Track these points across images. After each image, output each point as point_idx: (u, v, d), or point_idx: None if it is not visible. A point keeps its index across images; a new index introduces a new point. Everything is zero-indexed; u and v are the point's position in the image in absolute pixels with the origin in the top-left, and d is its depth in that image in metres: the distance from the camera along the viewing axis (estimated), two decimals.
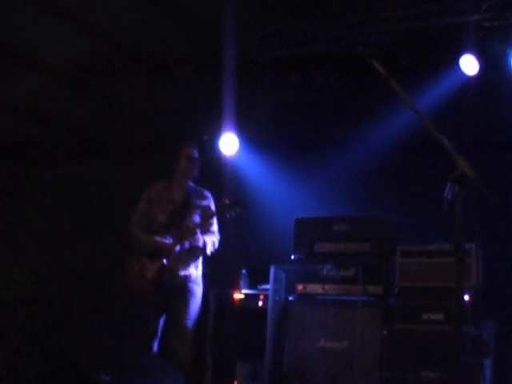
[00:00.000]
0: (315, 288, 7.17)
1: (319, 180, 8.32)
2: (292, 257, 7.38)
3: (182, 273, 6.76)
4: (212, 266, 7.43)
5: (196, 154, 6.94)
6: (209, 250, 6.83)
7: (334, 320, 6.98)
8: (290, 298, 7.28)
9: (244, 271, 7.77)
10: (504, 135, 7.88)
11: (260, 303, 7.43)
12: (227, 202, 6.78)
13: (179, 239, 6.68)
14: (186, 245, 6.72)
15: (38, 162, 10.48)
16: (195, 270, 6.85)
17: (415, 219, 7.48)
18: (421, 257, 6.88)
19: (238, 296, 7.57)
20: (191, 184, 7.04)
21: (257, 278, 7.71)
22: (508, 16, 7.43)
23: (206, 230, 6.86)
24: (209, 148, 8.58)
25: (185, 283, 6.76)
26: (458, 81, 7.85)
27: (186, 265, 6.78)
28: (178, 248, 6.68)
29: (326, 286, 7.15)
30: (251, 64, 8.26)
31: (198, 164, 6.96)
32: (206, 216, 6.82)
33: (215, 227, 6.97)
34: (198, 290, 6.83)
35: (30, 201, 10.33)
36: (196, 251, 6.82)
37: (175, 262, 6.70)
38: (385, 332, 6.76)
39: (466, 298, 6.56)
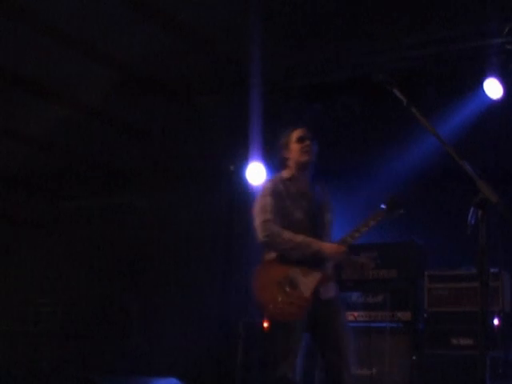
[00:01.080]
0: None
1: (344, 207, 8.31)
2: None
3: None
4: (243, 291, 7.45)
5: (308, 135, 5.47)
6: None
7: (364, 347, 6.96)
8: None
9: None
10: None
11: None
12: (384, 207, 5.26)
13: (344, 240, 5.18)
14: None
15: (64, 194, 10.58)
16: None
17: (442, 244, 7.46)
18: (448, 281, 6.87)
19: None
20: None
21: None
22: None
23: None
24: (236, 178, 8.62)
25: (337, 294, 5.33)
26: (482, 105, 7.86)
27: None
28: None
29: (355, 314, 7.14)
30: (276, 92, 8.31)
31: (315, 146, 5.46)
32: (361, 226, 5.22)
33: None
34: None
35: (56, 233, 10.41)
36: None
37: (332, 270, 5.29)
38: (414, 358, 6.73)
39: (496, 322, 6.52)
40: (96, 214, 10.18)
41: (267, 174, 8.49)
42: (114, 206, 10.08)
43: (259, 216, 5.25)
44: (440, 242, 7.50)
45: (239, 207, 8.60)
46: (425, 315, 6.89)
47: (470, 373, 6.29)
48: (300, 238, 5.12)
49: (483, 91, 7.81)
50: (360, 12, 7.33)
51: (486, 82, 7.79)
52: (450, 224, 7.18)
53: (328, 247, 5.13)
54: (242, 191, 8.54)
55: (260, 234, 5.19)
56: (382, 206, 5.25)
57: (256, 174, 8.57)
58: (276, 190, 5.32)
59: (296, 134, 5.45)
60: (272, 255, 5.21)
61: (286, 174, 5.44)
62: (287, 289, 4.99)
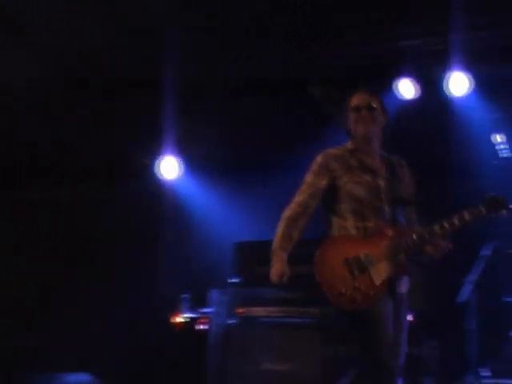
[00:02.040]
0: (257, 311, 7.16)
1: (262, 204, 8.35)
2: (232, 280, 7.36)
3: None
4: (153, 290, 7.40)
5: (367, 102, 4.73)
6: None
7: (277, 342, 6.97)
8: (232, 322, 7.26)
9: (186, 295, 7.73)
10: (440, 159, 7.99)
11: (201, 327, 7.38)
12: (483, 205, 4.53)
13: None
14: None
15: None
16: None
17: None
18: None
19: (177, 320, 7.52)
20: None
21: (197, 302, 7.67)
22: (444, 41, 7.60)
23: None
24: (150, 172, 8.56)
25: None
26: (397, 104, 7.98)
27: None
28: None
29: (269, 309, 7.14)
30: (192, 88, 8.26)
31: (377, 114, 4.73)
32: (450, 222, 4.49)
33: None
34: None
35: None
36: None
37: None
38: (327, 354, 6.76)
39: (409, 318, 6.61)
40: (19, 208, 9.92)
41: (181, 168, 8.49)
42: (37, 200, 9.84)
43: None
44: None
45: (154, 201, 8.55)
46: (337, 312, 6.91)
47: None
48: (279, 229, 4.85)
49: (396, 91, 7.96)
50: (275, 11, 7.36)
51: (399, 82, 7.95)
52: None
53: (274, 264, 4.91)
54: (157, 185, 8.50)
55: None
56: (488, 197, 4.55)
57: (169, 168, 8.56)
58: (326, 165, 4.70)
59: (352, 102, 4.79)
60: (336, 230, 4.69)
61: (350, 144, 4.79)
62: (356, 272, 4.44)
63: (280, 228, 4.80)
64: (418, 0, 7.22)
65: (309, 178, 4.74)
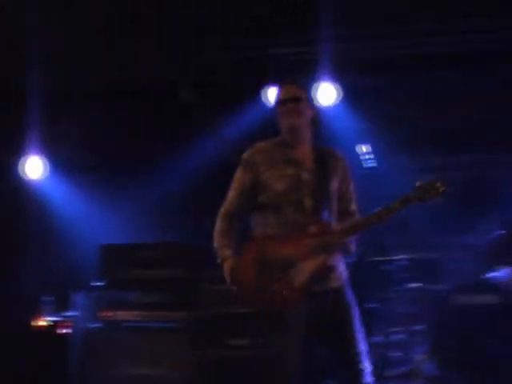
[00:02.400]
0: (122, 315, 7.07)
1: (130, 206, 8.31)
2: (96, 283, 7.29)
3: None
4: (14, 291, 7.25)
5: (293, 95, 4.51)
6: None
7: (142, 346, 6.92)
8: (96, 326, 7.17)
9: (48, 298, 7.60)
10: None
11: (64, 331, 7.28)
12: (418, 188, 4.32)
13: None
14: None
15: None
16: None
17: None
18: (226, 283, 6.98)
19: (39, 323, 7.39)
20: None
21: (60, 305, 7.56)
22: (312, 50, 7.77)
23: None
24: (11, 171, 8.39)
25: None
26: (263, 111, 8.11)
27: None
28: None
29: (133, 313, 7.08)
30: (57, 89, 8.15)
31: (303, 107, 4.54)
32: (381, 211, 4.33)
33: None
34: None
35: None
36: None
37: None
38: (193, 358, 6.78)
39: (268, 322, 6.71)
40: None
41: (46, 169, 8.35)
42: None
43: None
44: None
45: (17, 200, 8.37)
46: (203, 316, 6.96)
47: (247, 373, 6.46)
48: (216, 227, 4.62)
49: (264, 98, 8.08)
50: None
51: (267, 89, 8.07)
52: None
53: (223, 264, 4.60)
54: (21, 185, 8.33)
55: None
56: (417, 184, 4.30)
57: (34, 167, 8.43)
58: (251, 159, 4.56)
59: (278, 95, 4.64)
60: (260, 230, 4.51)
61: (279, 137, 4.63)
62: (275, 273, 4.28)
63: (217, 226, 4.65)
64: (289, 9, 7.33)
65: (237, 173, 4.64)
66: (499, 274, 6.65)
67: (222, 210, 4.65)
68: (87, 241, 8.01)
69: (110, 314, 7.07)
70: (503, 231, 6.88)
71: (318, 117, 4.64)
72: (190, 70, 7.80)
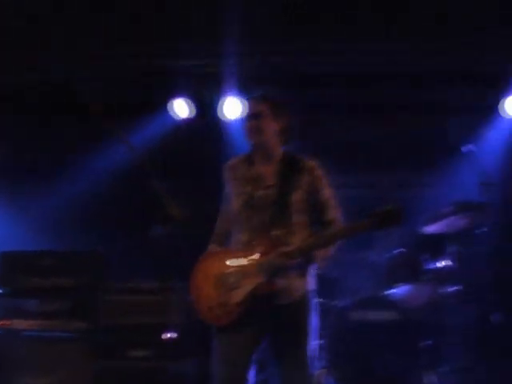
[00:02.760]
0: (20, 323, 6.94)
1: (31, 213, 8.17)
2: None
3: None
4: None
5: (256, 110, 4.49)
6: None
7: (40, 356, 6.81)
8: None
9: None
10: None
11: None
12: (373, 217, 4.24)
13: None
14: None
15: None
16: None
17: (122, 255, 7.54)
18: (126, 293, 6.92)
19: None
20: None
21: None
22: (221, 64, 7.80)
23: None
24: None
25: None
26: (171, 123, 8.10)
27: None
28: None
29: (31, 322, 6.96)
30: None
31: (259, 122, 4.47)
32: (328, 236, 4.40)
33: None
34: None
35: None
36: None
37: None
38: (91, 368, 6.69)
39: (171, 335, 6.70)
40: None
41: None
42: None
43: None
44: (121, 253, 7.57)
45: None
46: (102, 326, 6.89)
47: None
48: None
49: (171, 110, 8.08)
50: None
51: (174, 101, 8.07)
52: (132, 236, 7.32)
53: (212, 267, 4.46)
54: None
55: None
56: (374, 212, 4.23)
57: None
58: (224, 176, 4.62)
59: (244, 111, 4.65)
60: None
61: (246, 154, 4.64)
62: (222, 288, 4.33)
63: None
64: (195, 22, 7.35)
65: (225, 187, 4.64)
66: (397, 290, 6.77)
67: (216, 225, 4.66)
68: None
69: (8, 322, 6.93)
70: (402, 249, 7.02)
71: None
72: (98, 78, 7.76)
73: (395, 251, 7.04)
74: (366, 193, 8.57)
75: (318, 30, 7.34)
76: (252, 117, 4.49)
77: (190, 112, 8.15)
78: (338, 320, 6.68)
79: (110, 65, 7.82)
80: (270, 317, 4.30)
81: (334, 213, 4.47)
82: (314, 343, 4.37)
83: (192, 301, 4.46)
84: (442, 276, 6.76)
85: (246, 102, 4.61)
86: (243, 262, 4.32)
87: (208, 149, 7.98)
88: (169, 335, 6.70)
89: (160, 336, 6.64)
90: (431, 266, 6.86)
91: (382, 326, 6.59)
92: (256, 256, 4.30)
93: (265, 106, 4.48)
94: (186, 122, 8.20)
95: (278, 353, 4.35)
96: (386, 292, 6.82)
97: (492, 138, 8.03)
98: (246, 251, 4.35)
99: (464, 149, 6.08)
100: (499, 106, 7.95)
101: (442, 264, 6.81)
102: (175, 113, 8.12)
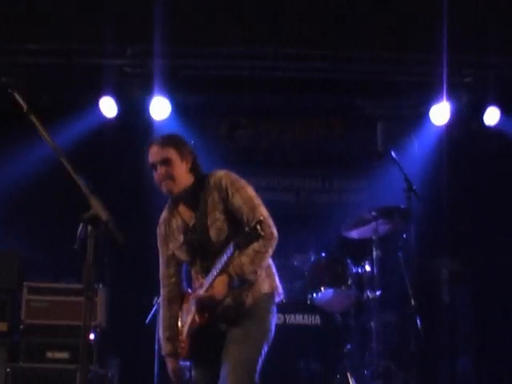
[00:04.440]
0: None
1: None
2: None
3: None
4: None
5: (160, 154, 4.23)
6: None
7: None
8: None
9: None
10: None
11: None
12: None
13: None
14: None
15: None
16: None
17: (46, 255, 7.44)
18: (48, 294, 6.85)
19: None
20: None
21: None
22: (149, 64, 7.77)
23: None
24: None
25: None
26: (98, 121, 8.02)
27: None
28: None
29: None
30: None
31: (169, 169, 4.23)
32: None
33: None
34: None
35: None
36: None
37: None
38: (9, 370, 6.57)
39: (92, 336, 6.63)
40: None
41: None
42: None
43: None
44: (43, 253, 7.47)
45: None
46: (21, 327, 6.79)
47: None
48: (160, 324, 4.51)
49: (99, 108, 8.00)
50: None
51: (102, 99, 7.99)
52: (56, 236, 7.20)
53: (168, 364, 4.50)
54: None
55: None
56: (246, 230, 3.89)
57: None
58: (160, 232, 4.46)
59: (148, 160, 4.28)
60: None
61: (169, 202, 4.47)
62: (180, 325, 4.40)
63: (160, 313, 4.57)
64: (125, 22, 7.29)
65: (159, 248, 4.49)
66: (321, 295, 6.81)
67: (162, 293, 4.50)
68: None
69: None
70: (324, 254, 7.07)
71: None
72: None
73: (319, 255, 7.08)
74: (290, 197, 8.63)
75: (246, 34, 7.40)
76: (161, 162, 4.21)
77: (116, 111, 8.08)
78: None
79: (37, 62, 7.74)
80: (220, 339, 4.23)
81: (254, 214, 4.17)
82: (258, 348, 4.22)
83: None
84: (365, 281, 6.82)
85: (149, 150, 4.26)
86: (187, 300, 4.38)
87: (133, 149, 7.90)
88: (91, 337, 6.64)
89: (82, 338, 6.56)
90: (354, 271, 6.91)
91: (305, 330, 6.63)
92: (192, 293, 4.34)
93: (171, 150, 4.24)
94: (113, 121, 8.12)
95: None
96: (310, 296, 6.85)
97: (418, 145, 8.19)
98: (189, 292, 4.40)
99: (390, 154, 6.14)
100: (429, 114, 8.13)
101: (364, 269, 6.87)
102: (102, 111, 8.04)
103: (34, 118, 3.62)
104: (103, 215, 3.57)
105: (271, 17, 7.21)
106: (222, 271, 4.06)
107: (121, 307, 7.34)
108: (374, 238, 6.71)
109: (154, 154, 4.22)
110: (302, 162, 8.65)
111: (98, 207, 3.59)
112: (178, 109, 8.18)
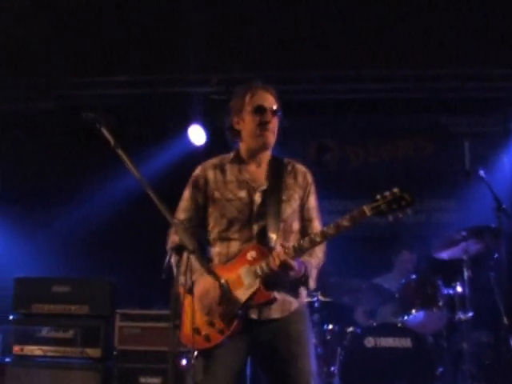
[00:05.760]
0: (33, 350, 6.98)
1: (43, 238, 8.20)
2: (10, 317, 7.15)
3: None
4: None
5: (272, 103, 4.03)
6: None
7: (53, 383, 6.82)
8: (7, 360, 7.02)
9: None
10: None
11: None
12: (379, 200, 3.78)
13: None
14: None
15: None
16: None
17: (135, 283, 7.56)
18: (139, 320, 6.94)
19: None
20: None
21: None
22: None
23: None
24: None
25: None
26: (186, 149, 8.13)
27: None
28: None
29: (44, 348, 6.99)
30: None
31: (278, 120, 4.05)
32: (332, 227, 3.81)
33: None
34: None
35: None
36: None
37: None
38: None
39: (184, 361, 6.69)
40: None
41: None
42: None
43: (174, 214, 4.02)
44: (134, 281, 7.59)
45: None
46: (115, 353, 6.90)
47: None
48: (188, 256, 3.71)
49: (187, 137, 8.11)
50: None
51: (190, 128, 8.11)
52: (145, 264, 7.32)
53: (199, 285, 3.86)
54: None
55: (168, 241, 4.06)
56: (378, 196, 3.76)
57: None
58: (204, 177, 4.06)
59: (254, 100, 3.98)
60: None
61: (234, 153, 4.11)
62: (208, 307, 3.82)
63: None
64: (212, 49, 7.39)
65: (186, 192, 4.12)
66: (412, 317, 6.74)
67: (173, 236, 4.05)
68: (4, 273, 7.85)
69: (21, 348, 6.95)
70: (416, 275, 7.00)
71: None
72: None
73: (409, 277, 7.02)
74: (379, 218, 8.55)
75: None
76: (272, 112, 4.00)
77: (205, 138, 8.20)
78: (352, 346, 6.64)
79: (125, 94, 7.92)
80: (259, 332, 3.90)
81: (318, 225, 4.06)
82: (313, 356, 3.97)
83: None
84: (456, 302, 6.72)
85: (258, 91, 4.01)
86: (233, 272, 3.88)
87: None
88: (184, 361, 6.70)
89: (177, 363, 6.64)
90: (445, 292, 6.81)
91: (397, 353, 6.55)
92: (247, 264, 3.88)
93: (277, 100, 4.05)
94: (201, 149, 8.23)
95: (280, 370, 3.89)
96: (401, 318, 6.78)
97: (508, 162, 8.04)
98: (235, 261, 3.92)
99: (478, 173, 6.06)
100: None
101: (456, 290, 6.77)
102: (190, 139, 8.16)
103: (121, 152, 3.70)
104: (189, 245, 3.62)
105: (351, 39, 7.22)
106: (306, 253, 3.87)
107: None
108: (464, 258, 6.59)
109: (268, 99, 4.01)
110: (389, 183, 8.58)
111: (184, 237, 3.63)
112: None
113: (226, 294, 3.79)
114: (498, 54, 7.26)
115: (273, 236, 3.91)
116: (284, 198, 4.01)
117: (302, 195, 4.09)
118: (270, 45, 7.27)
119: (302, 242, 3.80)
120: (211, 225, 4.06)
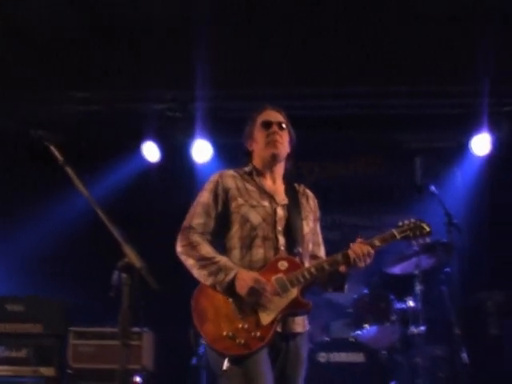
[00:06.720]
0: None
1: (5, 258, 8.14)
2: None
3: None
4: None
5: (278, 117, 4.25)
6: None
7: None
8: None
9: None
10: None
11: None
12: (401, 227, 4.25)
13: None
14: None
15: None
16: None
17: (88, 302, 7.52)
18: (94, 338, 6.93)
19: None
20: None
21: None
22: (190, 108, 7.88)
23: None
24: None
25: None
26: (140, 166, 8.13)
27: None
28: None
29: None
30: None
31: (286, 133, 4.25)
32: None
33: None
34: None
35: None
36: None
37: None
38: None
39: (138, 379, 6.68)
40: None
41: None
42: None
43: (186, 218, 4.07)
44: (87, 299, 7.55)
45: None
46: (69, 371, 6.87)
47: None
48: (220, 258, 3.89)
49: (141, 153, 8.12)
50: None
51: (144, 144, 8.11)
52: (97, 283, 7.28)
53: (242, 276, 3.84)
54: None
55: (177, 244, 4.05)
56: (400, 224, 4.21)
57: None
58: (223, 184, 4.08)
59: (261, 117, 4.23)
60: None
61: (249, 167, 4.22)
62: (239, 314, 3.83)
63: (195, 256, 3.96)
64: (167, 66, 7.40)
65: (203, 197, 4.08)
66: (364, 332, 6.79)
67: (192, 237, 4.01)
68: None
69: None
70: (368, 290, 7.05)
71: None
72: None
73: (362, 292, 7.07)
74: (335, 235, 8.62)
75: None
76: (278, 125, 4.19)
77: (159, 155, 8.20)
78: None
79: (80, 110, 7.91)
80: (281, 345, 3.93)
81: (323, 249, 4.23)
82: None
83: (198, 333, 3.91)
84: (409, 316, 6.78)
85: (264, 111, 4.26)
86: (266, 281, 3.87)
87: (176, 193, 7.97)
88: (137, 379, 6.69)
89: (130, 381, 6.64)
90: (398, 306, 6.88)
91: (350, 368, 6.59)
92: (280, 273, 3.89)
93: (285, 118, 4.27)
94: (156, 165, 8.24)
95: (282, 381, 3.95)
96: (354, 333, 6.83)
97: (459, 178, 8.14)
98: (266, 270, 3.92)
99: (429, 189, 6.14)
100: (469, 145, 8.07)
101: (408, 304, 6.83)
102: (144, 156, 8.17)
103: (69, 170, 3.70)
104: (136, 263, 3.64)
105: (305, 57, 7.27)
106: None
107: (169, 349, 7.35)
108: (416, 272, 6.68)
109: (273, 114, 4.23)
110: (344, 199, 8.65)
111: (131, 255, 3.65)
112: (220, 150, 8.26)
113: (284, 286, 3.86)
114: (452, 71, 7.35)
115: (300, 250, 4.00)
116: (303, 216, 4.12)
117: (313, 219, 4.21)
118: (223, 62, 7.29)
119: (330, 259, 3.99)
120: (233, 230, 4.03)
